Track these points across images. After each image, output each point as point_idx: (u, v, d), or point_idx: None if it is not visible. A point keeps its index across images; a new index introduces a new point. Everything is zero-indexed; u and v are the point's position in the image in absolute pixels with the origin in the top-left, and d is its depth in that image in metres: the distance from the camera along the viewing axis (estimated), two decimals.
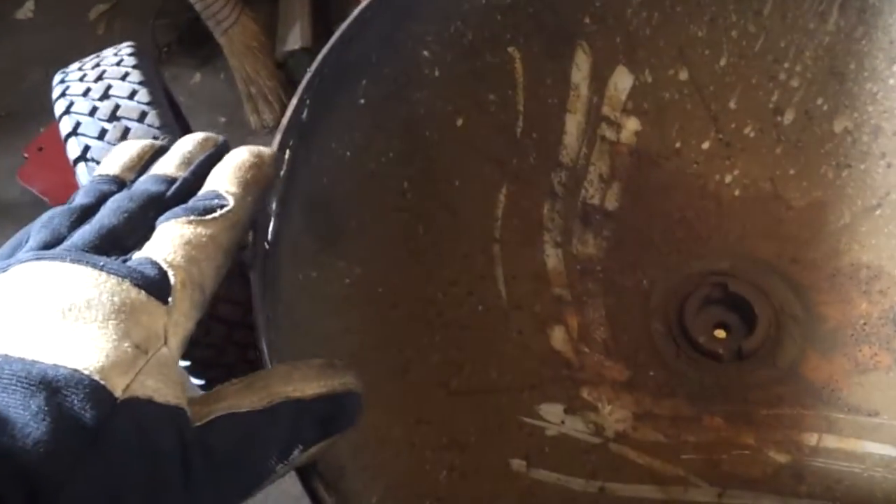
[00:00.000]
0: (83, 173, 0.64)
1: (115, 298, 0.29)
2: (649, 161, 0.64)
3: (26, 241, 0.34)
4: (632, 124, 0.64)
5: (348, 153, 0.57)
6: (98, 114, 0.63)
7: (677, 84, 0.64)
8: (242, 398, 0.31)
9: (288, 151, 0.50)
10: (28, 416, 0.25)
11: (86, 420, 0.25)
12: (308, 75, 0.51)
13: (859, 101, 0.61)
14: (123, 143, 0.40)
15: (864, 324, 0.56)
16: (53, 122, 0.66)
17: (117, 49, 0.63)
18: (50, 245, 0.33)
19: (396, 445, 0.50)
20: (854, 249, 0.59)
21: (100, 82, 0.64)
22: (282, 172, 0.50)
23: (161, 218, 0.34)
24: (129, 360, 0.28)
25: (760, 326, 0.56)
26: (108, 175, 0.37)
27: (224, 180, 0.36)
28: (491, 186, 0.62)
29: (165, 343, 0.30)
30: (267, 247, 0.47)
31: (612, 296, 0.60)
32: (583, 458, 0.52)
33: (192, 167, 0.37)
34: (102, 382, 0.26)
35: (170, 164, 0.37)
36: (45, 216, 0.35)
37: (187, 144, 0.38)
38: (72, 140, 0.65)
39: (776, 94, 0.63)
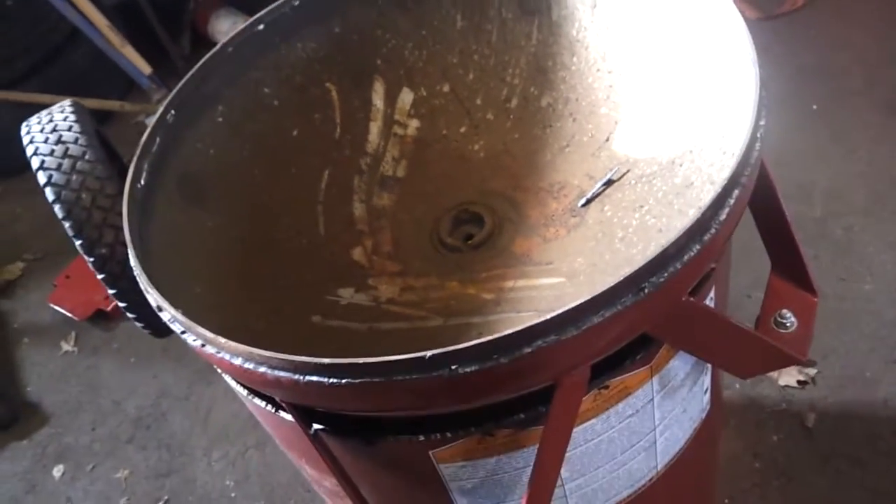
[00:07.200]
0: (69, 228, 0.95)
1: None
2: (425, 144, 0.93)
3: None
4: (414, 123, 0.95)
5: (212, 150, 0.88)
6: (63, 167, 0.95)
7: (443, 94, 0.95)
8: None
9: (158, 139, 0.81)
10: None
11: None
12: (171, 95, 0.83)
13: (555, 84, 0.91)
14: None
15: (552, 215, 0.83)
16: (78, 257, 0.91)
17: (62, 109, 0.95)
18: None
19: (231, 309, 0.77)
20: (551, 174, 0.86)
21: (60, 145, 0.96)
22: (153, 149, 0.81)
23: None
24: None
25: (486, 227, 0.83)
26: None
27: None
28: (317, 170, 0.92)
29: None
30: (139, 186, 0.77)
31: (396, 226, 0.88)
32: (361, 313, 0.79)
33: None
34: None
35: None
36: None
37: None
38: (48, 188, 0.97)
39: (505, 90, 0.93)
